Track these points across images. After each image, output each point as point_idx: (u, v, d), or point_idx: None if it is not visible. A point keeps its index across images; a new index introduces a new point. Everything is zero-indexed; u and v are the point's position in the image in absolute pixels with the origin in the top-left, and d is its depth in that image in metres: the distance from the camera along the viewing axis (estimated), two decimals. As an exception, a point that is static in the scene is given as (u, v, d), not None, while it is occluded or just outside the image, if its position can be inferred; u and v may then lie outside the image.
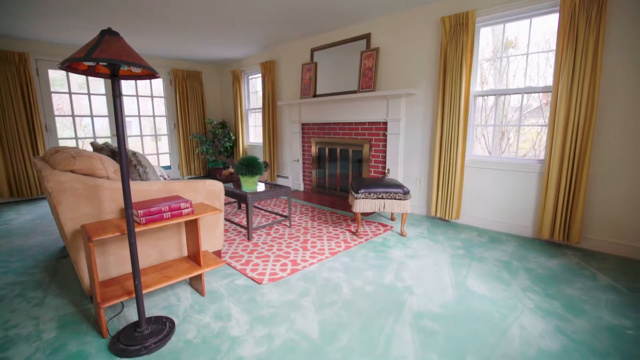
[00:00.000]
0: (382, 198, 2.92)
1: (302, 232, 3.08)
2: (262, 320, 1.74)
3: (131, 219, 1.50)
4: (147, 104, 5.78)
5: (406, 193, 2.90)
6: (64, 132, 5.02)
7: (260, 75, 5.44)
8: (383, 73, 3.81)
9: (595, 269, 2.29)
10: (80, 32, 4.12)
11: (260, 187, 3.21)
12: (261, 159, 5.90)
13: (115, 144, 5.42)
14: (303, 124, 4.91)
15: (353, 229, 3.17)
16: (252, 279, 2.18)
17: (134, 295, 1.66)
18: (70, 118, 4.94)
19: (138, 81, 5.58)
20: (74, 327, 1.70)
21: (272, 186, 3.24)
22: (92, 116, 5.13)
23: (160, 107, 5.95)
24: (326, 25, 4.03)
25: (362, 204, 2.92)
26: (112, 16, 3.56)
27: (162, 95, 5.91)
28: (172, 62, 5.87)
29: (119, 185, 1.88)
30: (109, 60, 1.25)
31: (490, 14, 2.92)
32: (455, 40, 3.04)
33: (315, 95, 4.57)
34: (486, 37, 3.27)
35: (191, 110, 6.09)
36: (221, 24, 3.93)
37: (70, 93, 4.88)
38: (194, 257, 2.02)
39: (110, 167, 1.93)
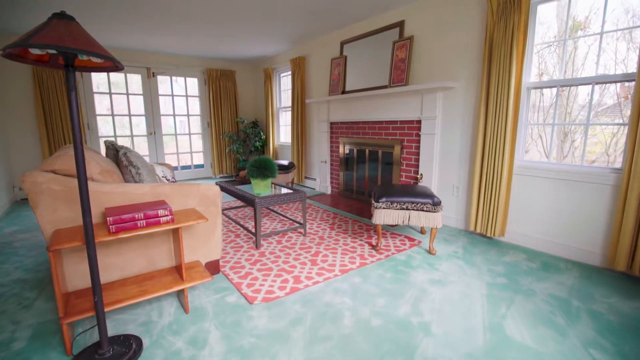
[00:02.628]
0: (407, 209, 2.50)
1: (316, 243, 2.78)
2: (239, 352, 1.47)
3: (90, 229, 1.32)
4: (183, 103, 5.89)
5: (436, 204, 2.45)
6: (107, 130, 5.28)
7: (291, 72, 5.24)
8: (417, 65, 3.36)
9: (696, 321, 1.67)
10: (117, 35, 4.25)
11: (280, 190, 2.98)
12: (289, 160, 5.71)
13: (153, 143, 5.60)
14: (331, 123, 4.60)
15: (374, 242, 2.79)
16: (245, 296, 1.93)
17: (117, 306, 1.50)
18: (111, 117, 5.18)
19: (174, 82, 5.70)
20: (45, 339, 1.58)
21: (290, 189, 2.99)
22: (129, 115, 5.34)
23: (195, 106, 6.03)
24: (356, 14, 3.68)
25: (383, 215, 2.54)
26: (140, 17, 3.58)
27: (197, 94, 5.99)
28: (206, 62, 5.92)
29: (103, 187, 1.74)
30: (46, 46, 1.07)
31: (551, -14, 2.36)
32: (505, 21, 2.51)
33: (344, 92, 4.23)
34: (545, 16, 2.68)
35: (224, 109, 6.10)
36: (247, 19, 3.77)
37: (110, 93, 5.11)
38: (179, 269, 1.82)
39: (96, 167, 1.81)
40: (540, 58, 2.90)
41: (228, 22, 3.88)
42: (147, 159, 5.63)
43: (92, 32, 4.17)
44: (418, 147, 3.41)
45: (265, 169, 2.80)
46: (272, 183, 3.35)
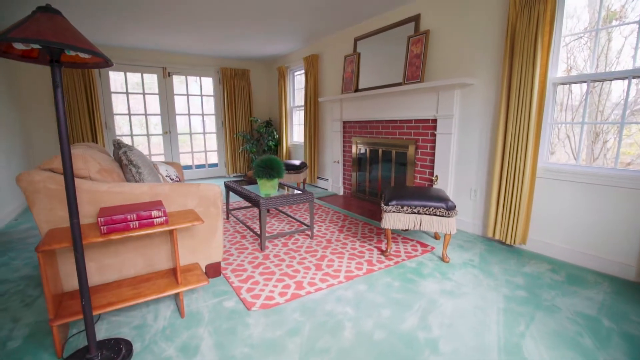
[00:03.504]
0: (419, 213, 2.36)
1: (323, 246, 2.68)
2: (230, 363, 1.39)
3: (77, 230, 1.27)
4: (197, 103, 5.93)
5: (450, 209, 2.29)
6: (124, 129, 5.39)
7: (304, 71, 5.16)
8: (433, 61, 3.18)
9: None
10: (133, 35, 4.30)
11: (290, 191, 2.90)
12: (302, 159, 5.63)
13: (169, 142, 5.66)
14: (344, 122, 4.48)
15: (384, 247, 2.66)
16: (243, 302, 1.85)
17: (93, 314, 1.46)
18: (127, 116, 5.28)
19: (189, 81, 5.75)
20: (40, 339, 1.56)
21: (300, 190, 2.90)
22: (146, 114, 5.42)
23: (210, 105, 6.07)
24: (370, 9, 3.55)
25: (392, 219, 2.40)
26: (151, 15, 3.60)
27: (212, 93, 6.02)
28: (220, 61, 5.93)
29: (100, 186, 1.71)
30: (25, 40, 1.02)
31: (582, -28, 2.15)
32: (529, 11, 2.31)
33: (357, 90, 4.11)
34: (574, 6, 2.45)
35: (238, 108, 6.10)
36: (258, 18, 3.72)
37: (127, 93, 5.20)
38: (175, 272, 1.77)
39: (95, 166, 1.78)
40: (569, 52, 2.68)
41: (238, 21, 3.84)
42: (162, 157, 5.70)
43: (104, 32, 4.24)
44: (433, 148, 3.24)
45: (271, 168, 2.72)
46: (281, 183, 3.28)
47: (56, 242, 1.36)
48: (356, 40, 4.10)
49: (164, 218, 1.58)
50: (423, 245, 2.69)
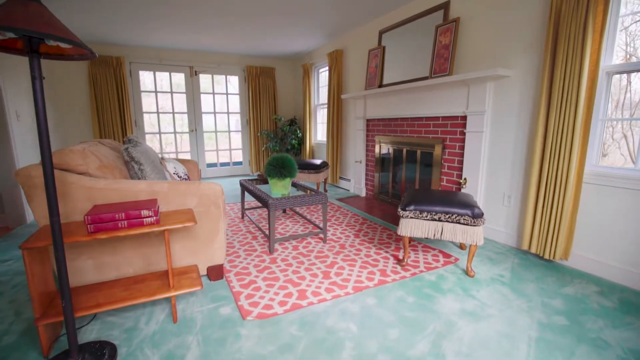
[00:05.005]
0: (440, 220, 2.11)
1: (335, 252, 2.51)
2: (212, 380, 1.27)
3: (58, 228, 1.21)
4: (223, 101, 5.99)
5: (477, 217, 2.02)
6: (155, 127, 5.55)
7: (328, 67, 5.00)
8: (463, 51, 2.88)
9: None
10: (159, 34, 4.39)
11: (305, 191, 2.76)
12: (324, 159, 5.47)
13: (195, 139, 5.77)
14: (367, 120, 4.27)
15: (401, 256, 2.43)
16: (240, 309, 1.73)
17: (79, 314, 1.41)
18: (156, 114, 5.43)
19: (215, 80, 5.81)
20: (34, 336, 1.54)
21: (310, 191, 2.75)
22: (173, 113, 5.55)
23: (235, 104, 6.10)
24: (395, -2, 3.31)
25: (410, 226, 2.17)
26: (173, 13, 3.62)
27: (237, 92, 6.05)
28: (246, 59, 5.93)
29: (98, 183, 1.67)
30: (-9, 24, 0.96)
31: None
32: (578, -12, 1.98)
33: (381, 86, 3.87)
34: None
35: (263, 106, 6.07)
36: (282, 13, 3.62)
37: (156, 92, 5.35)
38: (169, 275, 1.69)
39: (94, 162, 1.75)
40: (629, 36, 2.28)
41: (263, 17, 3.77)
42: (187, 155, 5.82)
43: (136, 32, 4.35)
44: (462, 147, 2.94)
45: (282, 167, 2.60)
46: (296, 184, 3.14)
47: (40, 240, 1.31)
48: (381, 33, 3.86)
49: (155, 218, 1.50)
50: (446, 255, 2.43)
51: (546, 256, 2.26)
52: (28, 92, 3.63)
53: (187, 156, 5.83)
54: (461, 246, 2.58)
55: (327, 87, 5.37)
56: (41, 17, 1.06)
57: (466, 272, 2.15)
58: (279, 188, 2.67)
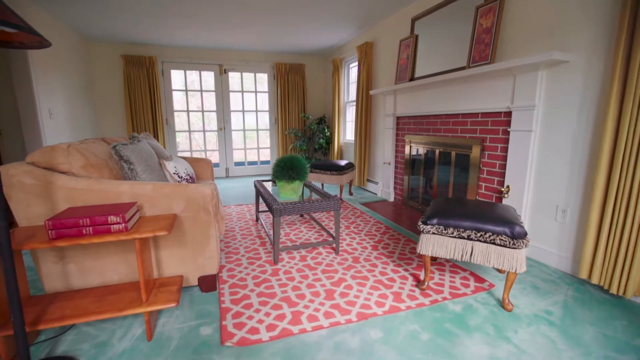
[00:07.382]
0: (469, 239, 1.72)
1: (346, 266, 2.21)
2: None
3: (6, 235, 1.08)
4: (252, 99, 5.91)
5: (517, 237, 1.61)
6: (184, 125, 5.64)
7: (357, 61, 4.68)
8: (508, 34, 2.42)
9: None
10: (189, 33, 4.39)
11: (318, 195, 2.51)
12: (352, 159, 5.15)
13: (223, 138, 5.76)
14: (397, 118, 3.88)
15: (422, 277, 2.07)
16: (222, 331, 1.52)
17: (40, 327, 1.28)
18: (186, 113, 5.50)
19: (244, 78, 5.75)
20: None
21: (323, 196, 2.48)
22: (202, 111, 5.58)
23: (264, 102, 6.00)
24: (428, -21, 2.91)
25: (431, 243, 1.81)
26: (201, 11, 3.55)
27: (266, 90, 5.94)
28: (275, 56, 5.80)
29: (78, 183, 1.56)
30: None
31: None
32: (671, -61, 1.48)
33: (412, 79, 3.48)
34: None
35: (292, 104, 5.90)
36: (310, 5, 3.39)
37: (186, 90, 5.41)
38: (148, 285, 1.52)
39: (79, 161, 1.64)
40: None
41: (291, 8, 3.56)
42: (216, 153, 5.83)
43: (166, 31, 4.38)
44: (505, 149, 2.48)
45: (290, 169, 2.36)
46: (311, 187, 2.89)
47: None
48: (413, 20, 3.46)
49: (123, 225, 1.33)
50: (478, 279, 2.02)
51: (613, 290, 1.77)
52: (60, 89, 3.78)
53: (215, 155, 5.85)
54: (499, 270, 2.14)
55: (356, 84, 5.05)
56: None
57: (502, 304, 1.74)
58: (287, 192, 2.43)
